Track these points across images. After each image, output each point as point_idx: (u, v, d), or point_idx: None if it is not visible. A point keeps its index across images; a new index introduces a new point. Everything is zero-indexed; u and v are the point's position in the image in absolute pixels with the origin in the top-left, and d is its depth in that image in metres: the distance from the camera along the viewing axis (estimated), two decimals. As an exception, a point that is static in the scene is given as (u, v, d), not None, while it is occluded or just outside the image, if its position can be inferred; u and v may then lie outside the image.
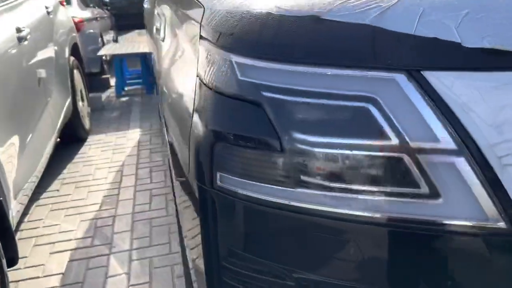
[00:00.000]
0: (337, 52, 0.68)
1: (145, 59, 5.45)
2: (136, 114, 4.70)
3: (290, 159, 0.68)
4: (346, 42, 0.68)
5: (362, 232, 0.67)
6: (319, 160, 0.67)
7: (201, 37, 0.89)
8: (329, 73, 0.68)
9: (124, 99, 5.35)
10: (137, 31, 8.99)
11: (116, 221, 2.57)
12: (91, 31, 5.84)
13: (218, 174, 0.76)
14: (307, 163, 0.68)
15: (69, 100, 3.42)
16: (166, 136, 1.86)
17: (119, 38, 8.34)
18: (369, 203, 0.66)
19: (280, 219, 0.72)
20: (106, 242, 2.37)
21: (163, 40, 1.35)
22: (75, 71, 3.79)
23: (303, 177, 0.69)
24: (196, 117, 0.81)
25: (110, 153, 3.62)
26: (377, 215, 0.66)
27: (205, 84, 0.80)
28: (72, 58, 3.74)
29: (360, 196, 0.67)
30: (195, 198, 0.85)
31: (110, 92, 5.69)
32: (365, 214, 0.67)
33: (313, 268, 0.72)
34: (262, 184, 0.71)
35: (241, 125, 0.73)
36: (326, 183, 0.68)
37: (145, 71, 5.51)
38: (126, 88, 5.58)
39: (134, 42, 6.08)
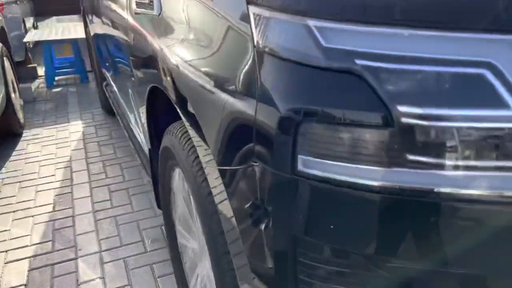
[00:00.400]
0: (444, 13, 0.60)
1: (77, 46, 5.05)
2: (74, 105, 4.33)
3: (399, 135, 0.60)
4: (452, 1, 0.61)
5: (483, 214, 0.61)
6: (432, 135, 0.60)
7: (248, 2, 0.77)
8: (438, 36, 0.60)
9: (57, 89, 4.92)
10: (55, 17, 8.36)
11: (76, 222, 2.34)
12: (13, 15, 5.29)
13: (300, 158, 0.66)
14: (418, 138, 0.60)
15: (3, 92, 3.05)
16: (141, 127, 1.69)
17: (38, 24, 7.67)
18: (487, 181, 0.60)
19: (381, 203, 0.63)
20: (69, 246, 2.14)
21: (159, 15, 1.19)
22: (5, 60, 3.39)
23: (412, 156, 0.61)
24: (265, 95, 0.69)
25: (54, 148, 3.30)
26: (499, 194, 0.60)
27: (275, 56, 0.69)
28: (0, 45, 3.34)
29: (478, 174, 0.60)
30: (256, 188, 0.74)
31: (40, 82, 5.20)
32: (484, 193, 0.60)
33: (420, 257, 0.64)
34: (360, 166, 0.62)
35: (334, 99, 0.63)
36: (440, 161, 0.60)
37: (78, 58, 5.11)
38: (56, 78, 5.14)
39: (57, 29, 5.58)
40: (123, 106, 2.41)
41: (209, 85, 0.85)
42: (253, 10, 0.75)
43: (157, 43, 1.18)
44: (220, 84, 0.82)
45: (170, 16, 1.11)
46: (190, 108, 0.95)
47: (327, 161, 0.64)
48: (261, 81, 0.71)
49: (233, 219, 0.83)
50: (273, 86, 0.68)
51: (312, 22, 0.66)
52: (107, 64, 2.89)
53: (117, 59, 2.22)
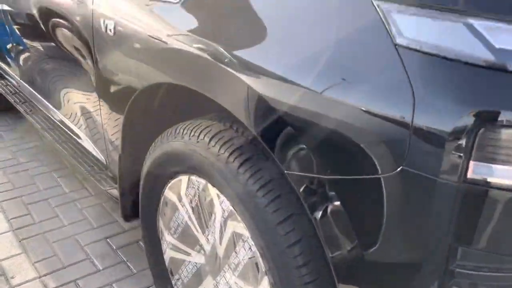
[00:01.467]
0: None
1: None
2: None
3: None
4: None
5: None
6: None
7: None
8: None
9: None
10: None
11: (-6, 244, 1.94)
12: None
13: (474, 164, 0.63)
14: None
15: None
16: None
17: None
18: None
19: None
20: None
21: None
22: None
23: None
24: (429, 98, 0.64)
25: None
26: None
27: (432, 55, 0.64)
28: None
29: None
30: (403, 196, 0.69)
31: None
32: None
33: None
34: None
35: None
36: None
37: None
38: None
39: None
40: (48, 105, 2.07)
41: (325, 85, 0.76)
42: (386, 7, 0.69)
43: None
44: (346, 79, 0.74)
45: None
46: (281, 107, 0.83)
47: (505, 167, 0.62)
48: (417, 82, 0.65)
49: (341, 229, 0.77)
50: (442, 88, 0.64)
51: (475, 21, 0.63)
52: (9, 52, 2.45)
53: (44, 46, 1.89)
